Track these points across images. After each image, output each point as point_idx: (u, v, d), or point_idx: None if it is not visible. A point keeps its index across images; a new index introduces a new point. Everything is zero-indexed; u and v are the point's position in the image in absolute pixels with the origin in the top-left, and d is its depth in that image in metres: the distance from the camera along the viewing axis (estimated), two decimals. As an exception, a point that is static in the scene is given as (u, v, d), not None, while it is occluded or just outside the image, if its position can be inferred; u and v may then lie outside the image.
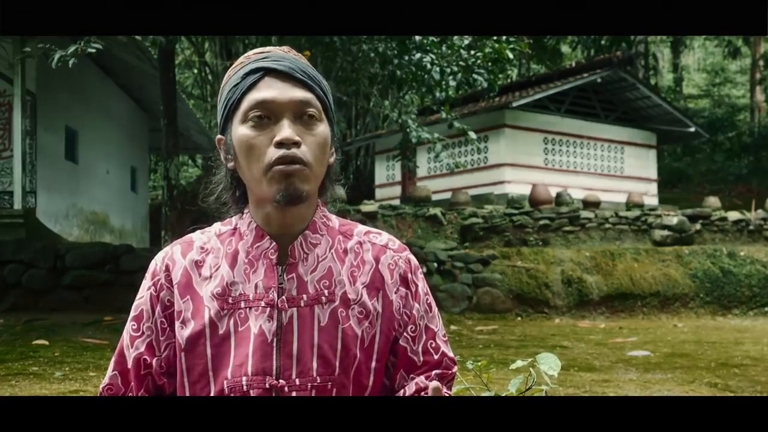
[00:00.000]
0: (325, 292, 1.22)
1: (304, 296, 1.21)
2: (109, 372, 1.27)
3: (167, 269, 1.26)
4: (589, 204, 13.77)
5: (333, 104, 1.28)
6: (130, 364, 1.25)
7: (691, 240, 13.34)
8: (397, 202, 15.82)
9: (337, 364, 1.20)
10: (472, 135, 9.92)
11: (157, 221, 13.08)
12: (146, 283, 1.27)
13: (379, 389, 1.27)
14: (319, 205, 1.28)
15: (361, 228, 1.32)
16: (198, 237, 1.30)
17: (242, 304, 1.21)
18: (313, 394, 1.18)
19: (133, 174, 15.93)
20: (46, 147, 10.91)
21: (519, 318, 10.71)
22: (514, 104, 15.34)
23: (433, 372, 1.28)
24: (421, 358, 1.28)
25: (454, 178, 15.81)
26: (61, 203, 11.72)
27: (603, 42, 25.93)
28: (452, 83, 9.24)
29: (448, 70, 8.97)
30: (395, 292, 1.27)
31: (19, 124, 10.00)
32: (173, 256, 1.27)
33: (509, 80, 19.72)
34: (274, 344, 1.18)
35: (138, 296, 1.28)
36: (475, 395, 1.88)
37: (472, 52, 9.12)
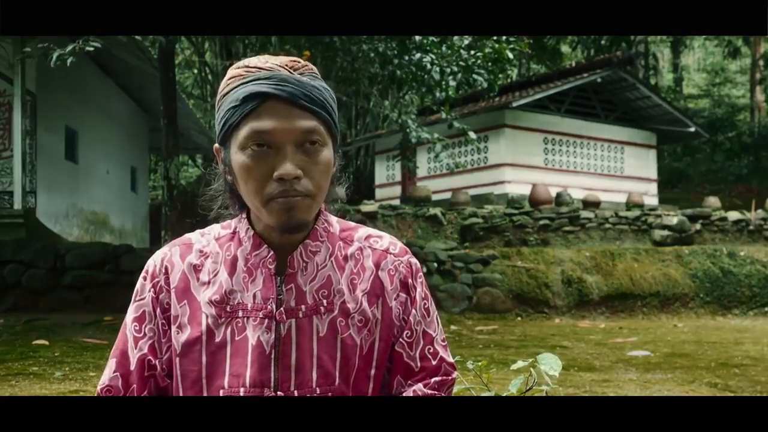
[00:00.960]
0: (324, 302, 1.21)
1: (303, 307, 1.20)
2: (109, 373, 1.25)
3: (166, 272, 1.24)
4: (589, 204, 13.76)
5: (337, 117, 1.22)
6: (133, 366, 1.23)
7: (691, 240, 13.33)
8: (397, 202, 15.81)
9: (337, 374, 1.19)
10: (472, 135, 9.93)
11: (157, 221, 13.11)
12: (146, 284, 1.25)
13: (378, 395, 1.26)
14: (320, 210, 1.25)
15: (362, 232, 1.30)
16: (197, 239, 1.28)
17: (240, 314, 1.19)
18: None
19: (133, 174, 15.94)
20: (46, 147, 10.91)
21: (519, 318, 10.71)
22: (514, 104, 15.34)
23: (432, 380, 1.26)
24: (419, 364, 1.26)
25: (454, 178, 15.81)
26: (61, 203, 11.72)
27: (603, 42, 25.94)
28: (452, 83, 9.24)
29: (448, 70, 8.97)
30: (395, 298, 1.25)
31: (19, 124, 10.00)
32: (172, 259, 1.25)
33: (509, 80, 19.72)
34: (272, 356, 1.17)
35: (137, 297, 1.26)
36: (475, 395, 1.88)
37: (472, 52, 9.12)
